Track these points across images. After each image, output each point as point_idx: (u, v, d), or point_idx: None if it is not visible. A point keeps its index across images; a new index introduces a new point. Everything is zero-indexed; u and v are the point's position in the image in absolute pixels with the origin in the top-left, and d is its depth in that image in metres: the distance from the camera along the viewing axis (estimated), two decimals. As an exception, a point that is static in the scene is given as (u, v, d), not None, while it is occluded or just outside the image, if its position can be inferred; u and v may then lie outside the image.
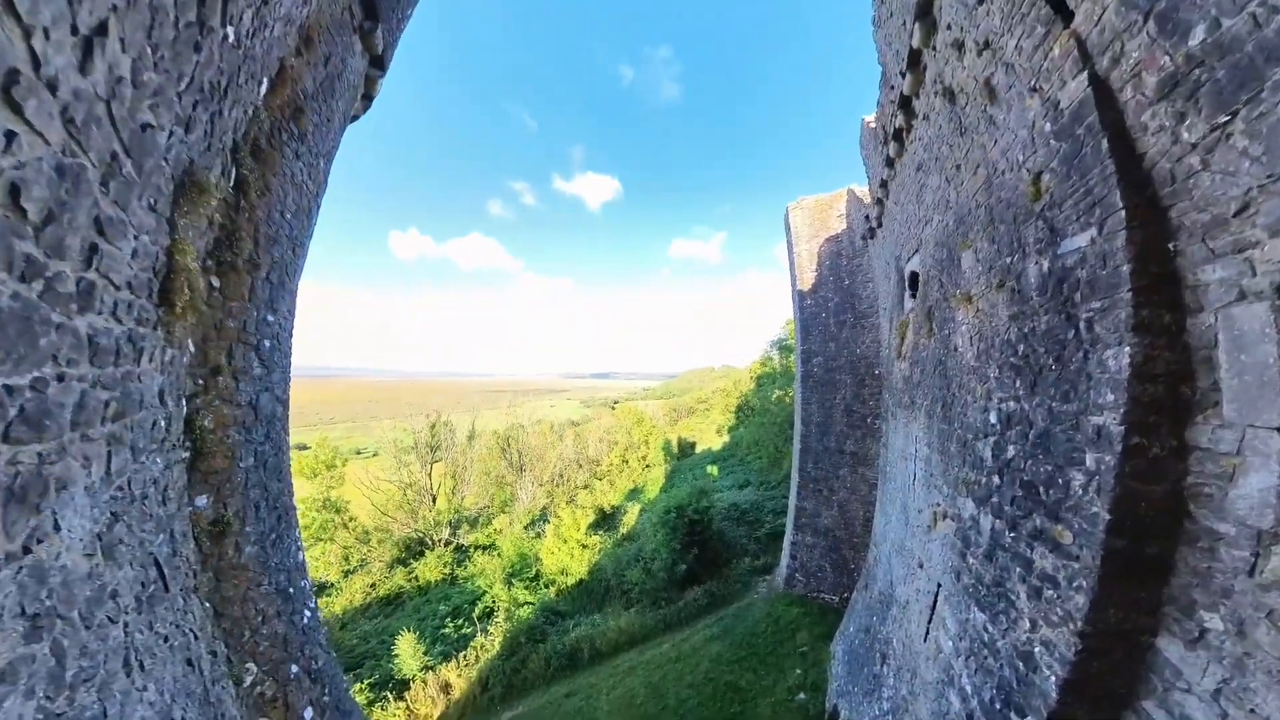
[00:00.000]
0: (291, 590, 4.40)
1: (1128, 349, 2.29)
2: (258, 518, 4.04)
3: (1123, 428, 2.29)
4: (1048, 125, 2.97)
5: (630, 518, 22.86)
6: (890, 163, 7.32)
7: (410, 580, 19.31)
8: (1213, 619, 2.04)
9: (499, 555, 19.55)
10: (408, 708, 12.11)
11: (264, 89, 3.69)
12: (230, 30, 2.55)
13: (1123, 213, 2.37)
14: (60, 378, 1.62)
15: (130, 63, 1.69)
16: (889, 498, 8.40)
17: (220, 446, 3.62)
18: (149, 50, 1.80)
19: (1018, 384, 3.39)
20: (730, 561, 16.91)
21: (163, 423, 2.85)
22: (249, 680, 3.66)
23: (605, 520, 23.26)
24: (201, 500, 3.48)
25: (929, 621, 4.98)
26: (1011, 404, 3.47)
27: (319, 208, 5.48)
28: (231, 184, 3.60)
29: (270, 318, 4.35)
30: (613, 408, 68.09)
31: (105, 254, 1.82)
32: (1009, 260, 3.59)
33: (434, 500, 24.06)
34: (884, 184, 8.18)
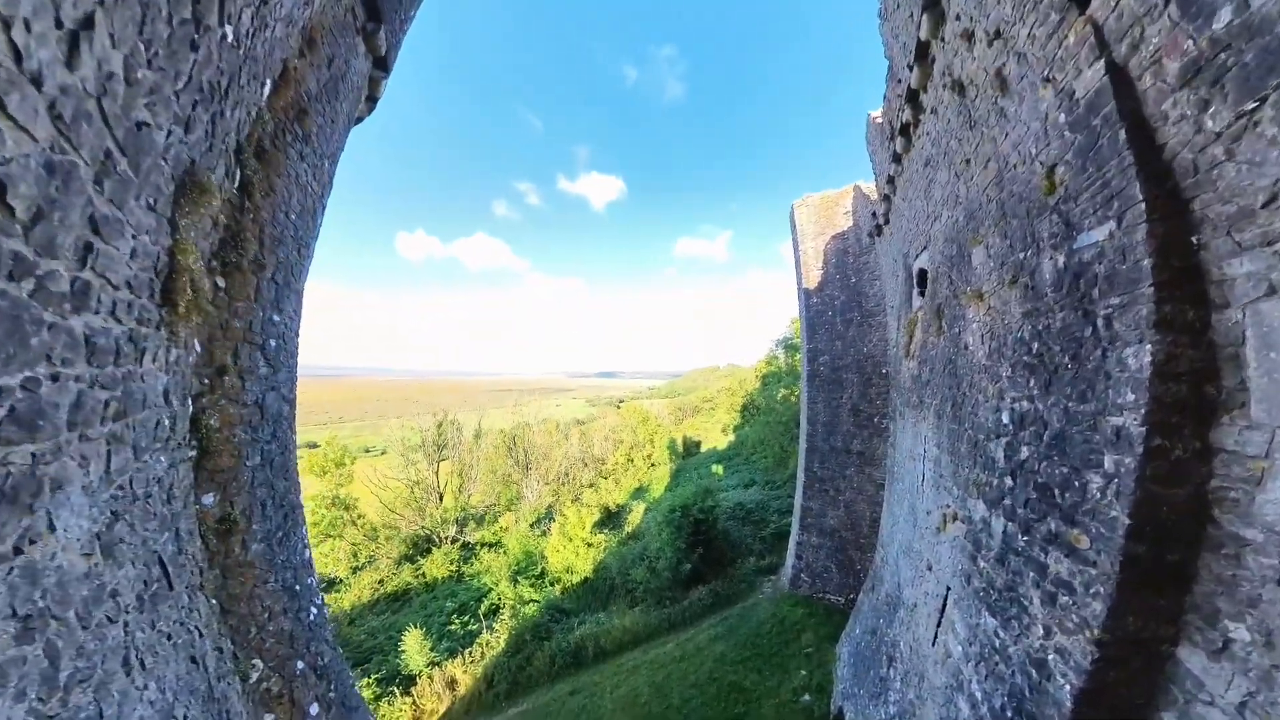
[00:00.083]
0: (298, 587, 4.42)
1: (1149, 347, 2.20)
2: (264, 515, 4.06)
3: (1144, 429, 2.20)
4: (1062, 116, 2.87)
5: (635, 516, 22.85)
6: (897, 158, 7.19)
7: (417, 577, 19.47)
8: (1239, 629, 1.95)
9: (505, 553, 19.65)
10: (414, 703, 12.21)
11: (267, 90, 3.69)
12: (229, 29, 2.53)
13: (1143, 205, 2.27)
14: (55, 377, 1.60)
15: (122, 59, 1.66)
16: (896, 498, 8.29)
17: (226, 445, 3.64)
18: (142, 47, 1.77)
19: (1032, 383, 3.29)
20: (735, 561, 16.84)
21: (167, 422, 2.85)
22: (255, 676, 3.69)
23: (610, 519, 23.27)
24: (208, 498, 3.50)
25: (938, 625, 4.89)
26: (1025, 404, 3.38)
27: (324, 208, 5.50)
28: (236, 185, 3.61)
29: (276, 318, 4.37)
30: (618, 407, 68.15)
31: (101, 253, 1.80)
32: (1022, 256, 3.49)
33: (441, 498, 24.23)
34: (891, 180, 8.05)
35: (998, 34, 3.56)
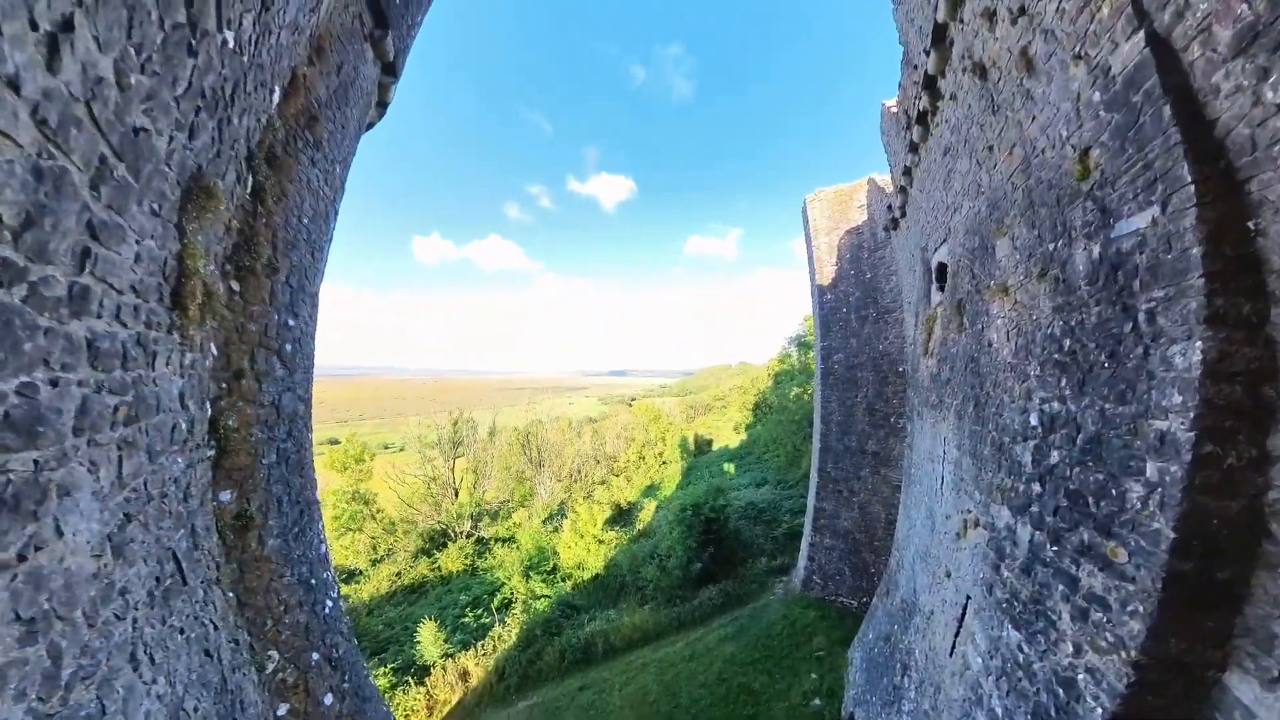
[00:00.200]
0: (314, 581, 4.51)
1: (1199, 344, 2.00)
2: (280, 512, 4.15)
3: (1192, 434, 2.00)
4: (1096, 95, 2.65)
5: (646, 514, 22.83)
6: (914, 148, 6.91)
7: (433, 570, 19.86)
8: (1301, 657, 1.76)
9: (518, 548, 19.84)
10: (428, 693, 12.43)
11: (276, 97, 3.72)
12: (229, 35, 2.50)
13: (1191, 187, 2.07)
14: (54, 382, 1.58)
15: (111, 63, 1.63)
16: (913, 501, 8.02)
17: (244, 444, 3.73)
18: (132, 51, 1.74)
19: (1063, 383, 3.07)
20: (746, 561, 16.65)
21: (184, 425, 2.89)
22: (271, 667, 3.76)
23: (622, 516, 23.30)
24: (225, 495, 3.58)
25: (956, 635, 4.69)
26: (1055, 405, 3.16)
27: (337, 213, 5.57)
28: (249, 191, 3.66)
29: (291, 321, 4.46)
30: (630, 405, 68.23)
31: (101, 258, 1.79)
32: (1052, 247, 3.26)
33: (456, 494, 24.63)
34: (907, 171, 7.75)
35: (1022, 10, 3.33)
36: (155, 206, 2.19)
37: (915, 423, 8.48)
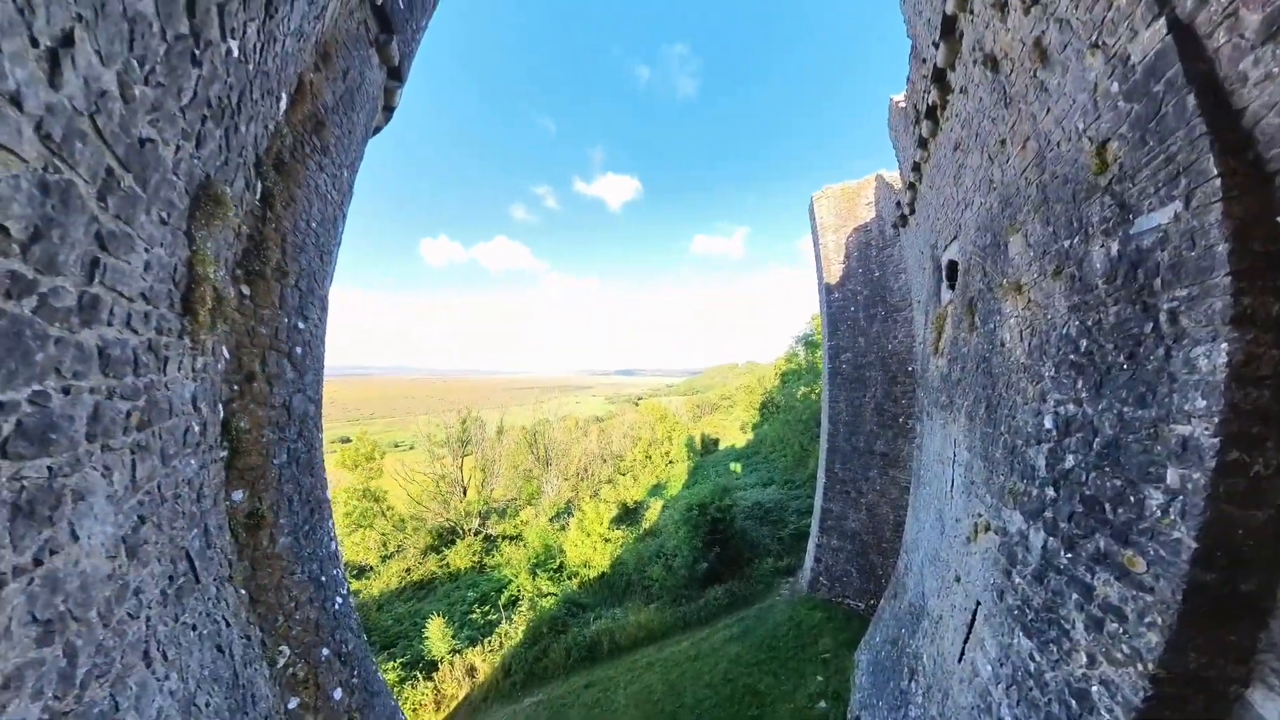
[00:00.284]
0: (324, 578, 4.58)
1: (1224, 345, 1.90)
2: (291, 510, 4.22)
3: (1216, 440, 1.91)
4: (1114, 85, 2.55)
5: (653, 513, 22.80)
6: (923, 143, 6.77)
7: (441, 567, 20.01)
8: (1333, 676, 1.67)
9: (525, 546, 19.93)
10: (436, 688, 12.56)
11: (284, 104, 3.75)
12: (233, 44, 2.50)
13: (1217, 181, 1.97)
14: (66, 390, 1.60)
15: (114, 76, 1.64)
16: (922, 503, 7.89)
17: (255, 445, 3.80)
18: (135, 63, 1.74)
19: (1079, 384, 2.97)
20: (752, 561, 16.55)
21: (197, 428, 2.93)
22: (282, 662, 3.84)
23: (628, 515, 23.28)
24: (238, 495, 3.65)
25: (965, 641, 4.59)
26: (1071, 407, 3.06)
27: (345, 217, 5.63)
28: (258, 197, 3.70)
29: (301, 324, 4.53)
30: (636, 404, 68.23)
31: (110, 267, 1.81)
32: (1068, 244, 3.16)
33: (465, 492, 24.80)
34: (916, 167, 7.60)
35: (1035, 0, 3.22)
36: (164, 215, 2.22)
37: (924, 423, 8.33)
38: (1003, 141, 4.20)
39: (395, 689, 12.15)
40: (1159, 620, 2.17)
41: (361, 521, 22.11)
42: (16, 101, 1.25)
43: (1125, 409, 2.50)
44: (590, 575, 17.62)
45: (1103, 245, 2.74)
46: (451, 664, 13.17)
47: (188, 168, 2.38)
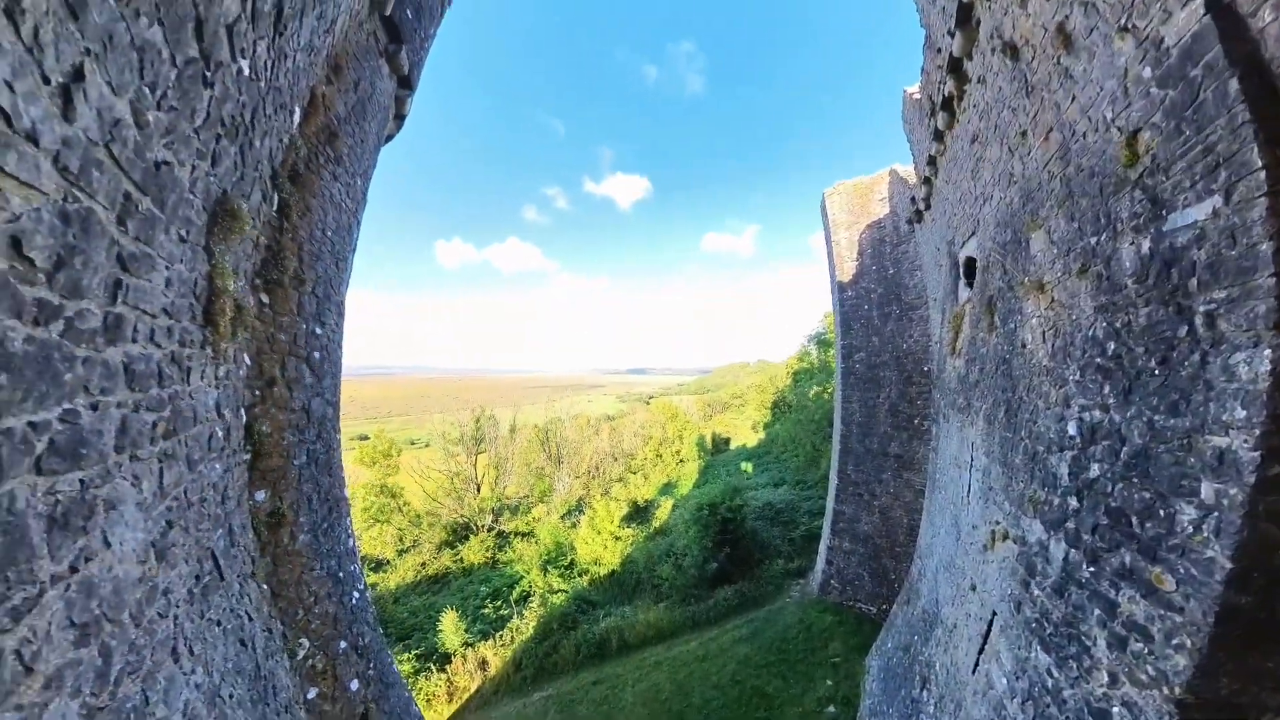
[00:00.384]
0: (341, 574, 4.73)
1: (1268, 352, 1.76)
2: (311, 509, 4.37)
3: (1257, 454, 1.78)
4: (1147, 70, 2.39)
5: (663, 512, 22.76)
6: (939, 136, 6.54)
7: (456, 562, 20.34)
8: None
9: (537, 542, 20.13)
10: (449, 680, 12.80)
11: (297, 117, 3.82)
12: (244, 63, 2.53)
13: (1261, 173, 1.82)
14: (94, 406, 1.65)
15: (127, 104, 1.66)
16: (938, 508, 7.67)
17: (276, 448, 3.94)
18: (147, 90, 1.76)
19: (1106, 390, 2.82)
20: (762, 562, 16.40)
21: (220, 433, 3.03)
22: (301, 654, 3.96)
23: (638, 513, 23.31)
24: (260, 495, 3.79)
25: (980, 652, 4.44)
26: (1097, 413, 2.90)
27: (359, 224, 5.74)
28: (274, 208, 3.80)
29: (319, 330, 4.66)
30: (647, 403, 68.21)
31: (132, 288, 1.86)
32: (1094, 241, 2.99)
33: (478, 489, 25.16)
34: (932, 161, 7.35)
35: (1063, -19, 3.04)
36: (183, 233, 2.27)
37: (941, 425, 8.10)
38: (1024, 133, 4.01)
39: (410, 680, 12.40)
40: (1188, 643, 2.04)
41: (379, 517, 22.61)
42: (33, 138, 1.28)
43: (1156, 417, 2.35)
44: (600, 573, 17.69)
45: (1133, 242, 2.58)
46: (464, 657, 13.39)
47: (204, 186, 2.43)
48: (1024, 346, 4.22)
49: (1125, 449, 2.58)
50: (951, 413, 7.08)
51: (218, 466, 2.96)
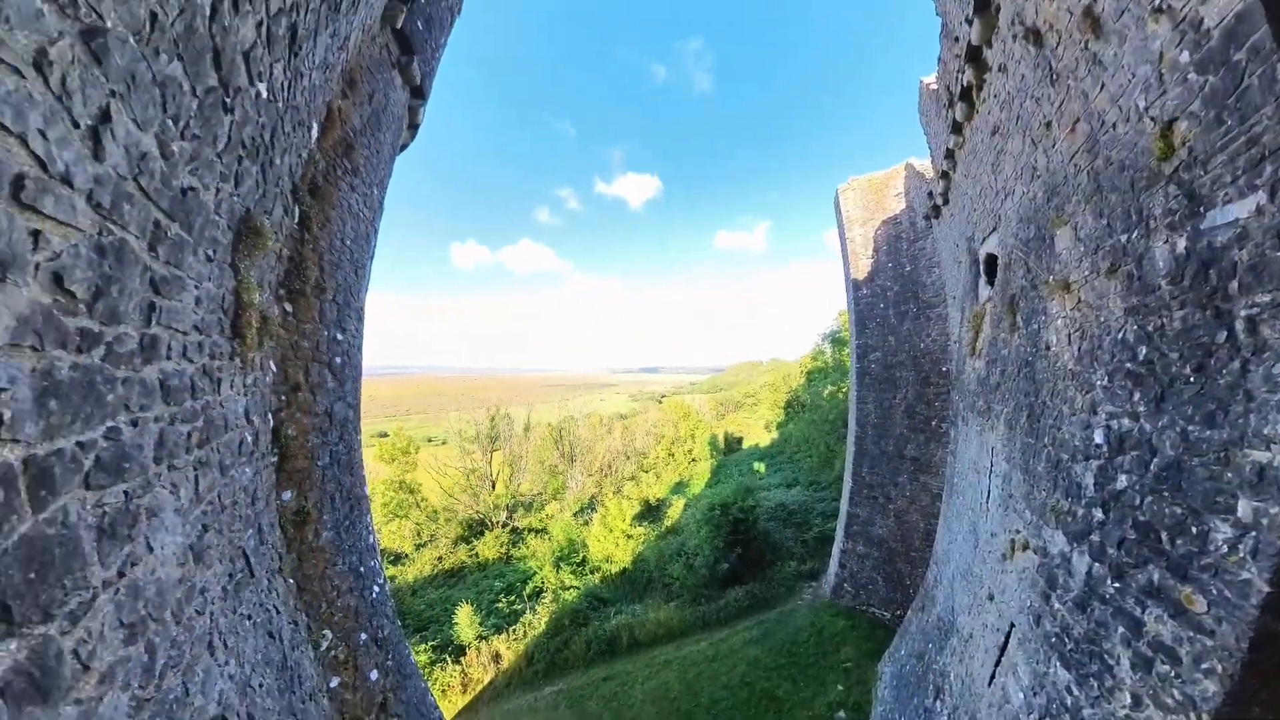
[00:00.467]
0: (362, 569, 4.91)
1: (1316, 361, 1.62)
2: (333, 507, 4.54)
3: (1302, 472, 1.64)
4: (1184, 55, 2.22)
5: (675, 511, 22.73)
6: (958, 128, 6.29)
7: (471, 556, 20.75)
8: None
9: (550, 539, 20.36)
10: (463, 671, 13.11)
11: (315, 132, 3.93)
12: (261, 87, 2.59)
13: (1312, 167, 1.67)
14: (135, 423, 1.75)
15: (153, 138, 1.72)
16: (955, 513, 7.44)
17: (301, 450, 4.11)
18: (171, 123, 1.82)
19: (1136, 397, 2.66)
20: (774, 564, 16.24)
21: (250, 438, 3.15)
22: (325, 645, 4.14)
23: (650, 512, 23.32)
24: (287, 495, 3.96)
25: (996, 664, 4.29)
26: (1126, 421, 2.75)
27: (376, 231, 5.88)
28: (295, 220, 3.93)
29: (340, 336, 4.83)
30: (660, 401, 68.13)
31: (165, 309, 1.94)
32: (1125, 238, 2.82)
33: (493, 485, 25.59)
34: (950, 154, 7.09)
35: (1092, -38, 2.87)
36: (209, 253, 2.36)
37: (959, 428, 7.84)
38: (1048, 124, 3.82)
39: (426, 670, 12.69)
40: (1219, 668, 1.91)
41: (398, 512, 23.18)
42: (67, 180, 1.33)
43: (1190, 428, 2.20)
44: (612, 570, 17.79)
45: (1167, 241, 2.42)
46: (478, 650, 13.66)
47: (228, 206, 2.51)
48: (1048, 349, 4.04)
49: (1156, 460, 2.43)
50: (971, 415, 6.84)
51: (247, 470, 3.10)
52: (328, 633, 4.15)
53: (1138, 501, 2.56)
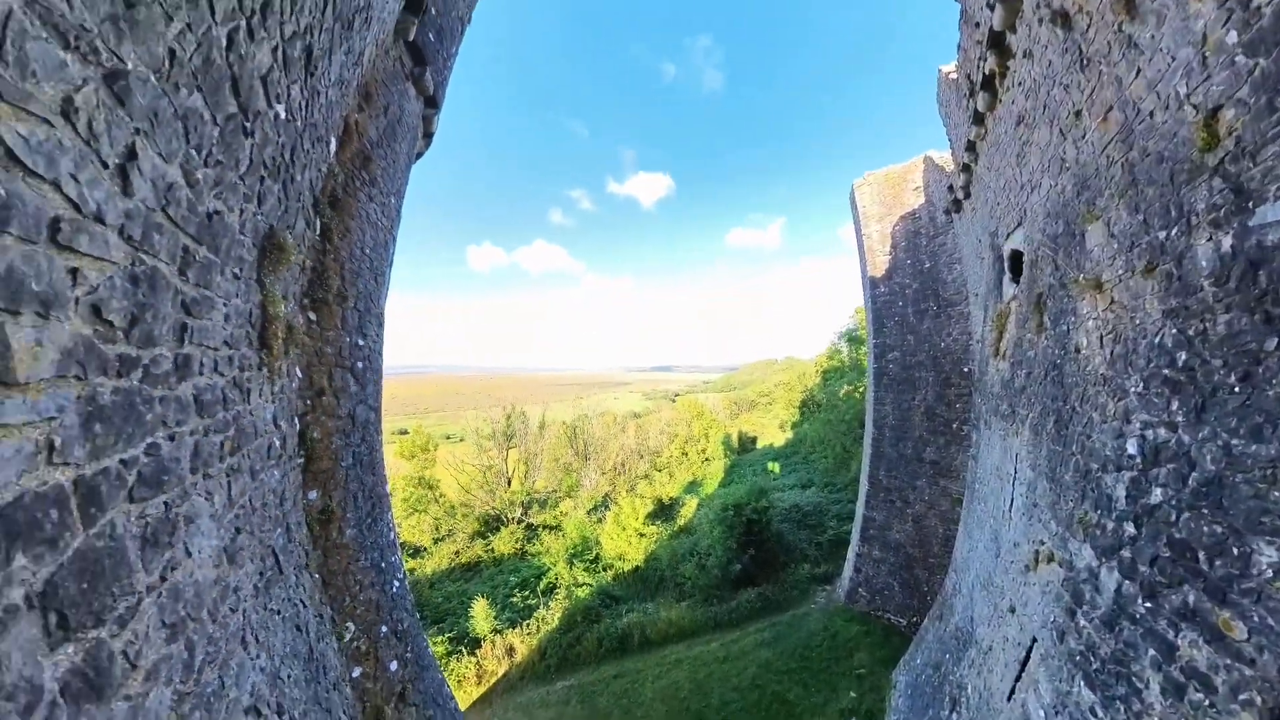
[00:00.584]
0: (383, 564, 5.11)
1: (1380, 373, 1.47)
2: (356, 506, 4.73)
3: (1362, 494, 1.49)
4: (1231, 35, 2.05)
5: (688, 510, 22.64)
6: (979, 118, 6.03)
7: (487, 551, 21.13)
8: None
9: (563, 536, 20.52)
10: (478, 664, 13.35)
11: (333, 147, 4.04)
12: (279, 108, 2.64)
13: (1379, 156, 1.51)
14: (172, 437, 1.84)
15: (178, 169, 1.77)
16: (976, 520, 7.18)
17: (326, 451, 4.29)
18: (194, 152, 1.87)
19: (1174, 406, 2.49)
20: (788, 566, 16.02)
21: (278, 442, 3.29)
22: (348, 637, 4.31)
23: (663, 511, 23.28)
24: (313, 494, 4.14)
25: (1016, 679, 4.11)
26: (1162, 432, 2.58)
27: (394, 239, 6.02)
28: (317, 232, 4.06)
29: (361, 342, 5.00)
30: (673, 400, 67.94)
31: (196, 328, 2.02)
32: (1163, 235, 2.64)
33: (509, 482, 26.06)
34: (971, 146, 6.80)
35: (1131, -62, 2.68)
36: (236, 271, 2.44)
37: (981, 432, 7.55)
38: (1078, 113, 3.60)
39: (442, 661, 12.97)
40: (1258, 700, 1.78)
41: (417, 507, 23.78)
42: (99, 218, 1.38)
43: (1235, 441, 2.04)
44: (624, 568, 17.83)
45: (1210, 239, 2.25)
46: (493, 643, 13.89)
47: (252, 225, 2.59)
48: (1078, 351, 3.83)
49: (1195, 475, 2.27)
50: (994, 419, 6.58)
51: (276, 473, 3.22)
52: (351, 625, 4.32)
53: (1174, 517, 2.39)
